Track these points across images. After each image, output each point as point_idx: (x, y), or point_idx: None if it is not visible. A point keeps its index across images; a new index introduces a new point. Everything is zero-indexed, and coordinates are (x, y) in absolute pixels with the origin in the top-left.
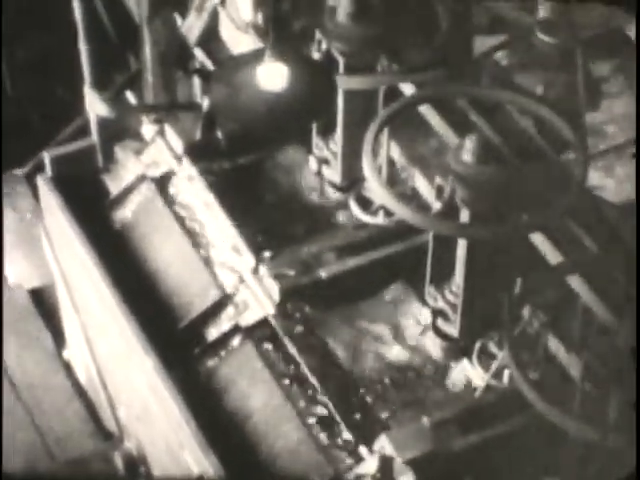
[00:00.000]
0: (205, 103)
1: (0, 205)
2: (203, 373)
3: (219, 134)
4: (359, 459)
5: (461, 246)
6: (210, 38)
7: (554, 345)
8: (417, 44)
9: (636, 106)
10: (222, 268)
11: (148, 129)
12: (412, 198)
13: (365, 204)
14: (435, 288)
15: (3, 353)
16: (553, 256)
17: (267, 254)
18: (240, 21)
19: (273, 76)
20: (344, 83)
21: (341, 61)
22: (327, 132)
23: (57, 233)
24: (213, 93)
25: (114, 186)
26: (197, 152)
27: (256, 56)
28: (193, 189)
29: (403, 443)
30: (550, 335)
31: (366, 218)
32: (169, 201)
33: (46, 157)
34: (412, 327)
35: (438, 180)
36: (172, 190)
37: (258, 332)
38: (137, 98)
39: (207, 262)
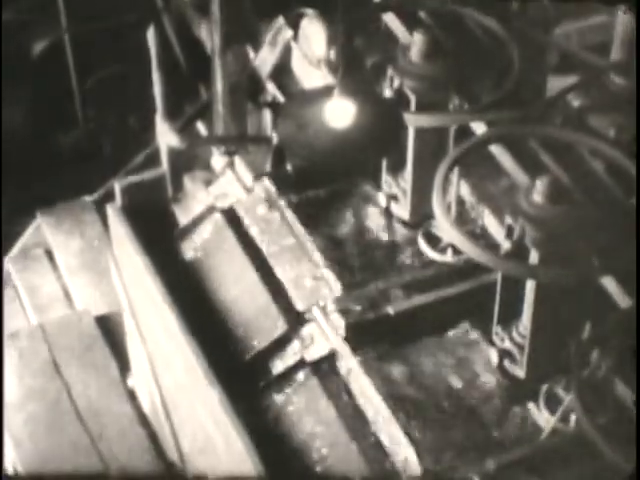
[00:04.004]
0: (275, 136)
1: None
2: (267, 407)
3: (288, 167)
4: None
5: (529, 287)
6: (282, 72)
7: (622, 390)
8: (489, 83)
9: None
10: (289, 301)
11: (218, 160)
12: (481, 237)
13: (433, 242)
14: (502, 328)
15: (68, 380)
16: (622, 300)
17: (334, 289)
18: (312, 56)
19: (340, 113)
20: (415, 121)
21: (413, 99)
22: (396, 169)
23: (125, 262)
24: (281, 127)
25: (183, 216)
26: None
27: (325, 92)
28: (261, 222)
29: None
30: (618, 380)
31: (434, 256)
32: (237, 233)
33: (116, 186)
34: (478, 367)
35: (508, 220)
36: (241, 222)
37: (323, 367)
38: (207, 129)
39: (274, 295)
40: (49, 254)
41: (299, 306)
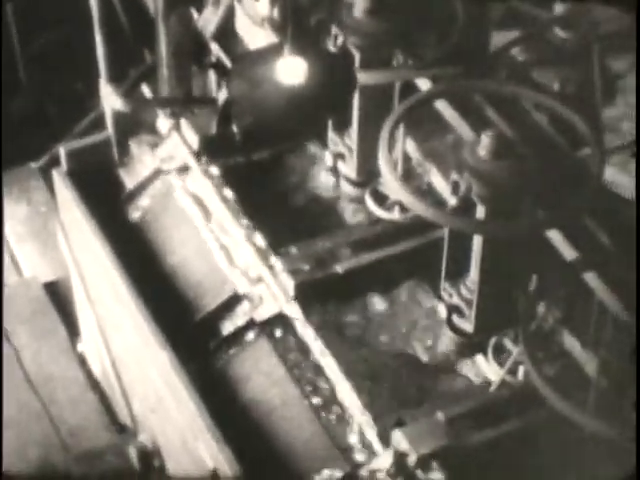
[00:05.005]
0: (221, 97)
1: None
2: (218, 367)
3: (234, 129)
4: (373, 454)
5: (476, 242)
6: (226, 32)
7: (569, 341)
8: (433, 39)
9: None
10: (237, 262)
11: (164, 123)
12: (428, 194)
13: (380, 199)
14: (450, 284)
15: (17, 346)
16: (568, 252)
17: (282, 249)
18: (256, 15)
19: (292, 70)
20: (360, 78)
21: (357, 56)
22: (342, 127)
23: (72, 227)
24: (231, 88)
25: (130, 180)
26: (212, 147)
27: (274, 51)
28: (208, 184)
29: (418, 438)
30: (565, 331)
31: (381, 213)
32: (184, 195)
33: (61, 151)
34: (427, 323)
35: (454, 176)
36: (187, 184)
37: (273, 327)
38: (152, 92)
39: (222, 256)
40: None
41: (247, 266)
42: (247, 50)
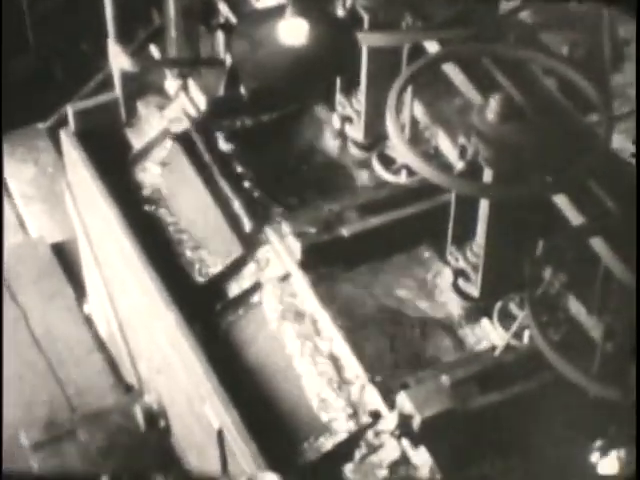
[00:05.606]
0: (228, 58)
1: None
2: (224, 328)
3: (242, 90)
4: (378, 416)
5: (483, 206)
6: None
7: (575, 306)
8: (442, 1)
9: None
10: (244, 224)
11: (171, 84)
12: (435, 157)
13: (388, 163)
14: (456, 248)
15: (24, 307)
16: (575, 217)
17: (289, 212)
18: None
19: (294, 32)
20: (368, 40)
21: (366, 18)
22: (350, 90)
23: (79, 187)
24: (234, 48)
25: (137, 141)
26: (220, 108)
27: (278, 11)
28: (216, 145)
29: (422, 401)
30: (571, 296)
31: (388, 177)
32: (192, 157)
33: (69, 111)
34: (433, 287)
35: (461, 139)
36: (195, 146)
37: (279, 289)
38: (160, 52)
39: (229, 218)
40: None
41: (254, 228)
42: (252, 10)
